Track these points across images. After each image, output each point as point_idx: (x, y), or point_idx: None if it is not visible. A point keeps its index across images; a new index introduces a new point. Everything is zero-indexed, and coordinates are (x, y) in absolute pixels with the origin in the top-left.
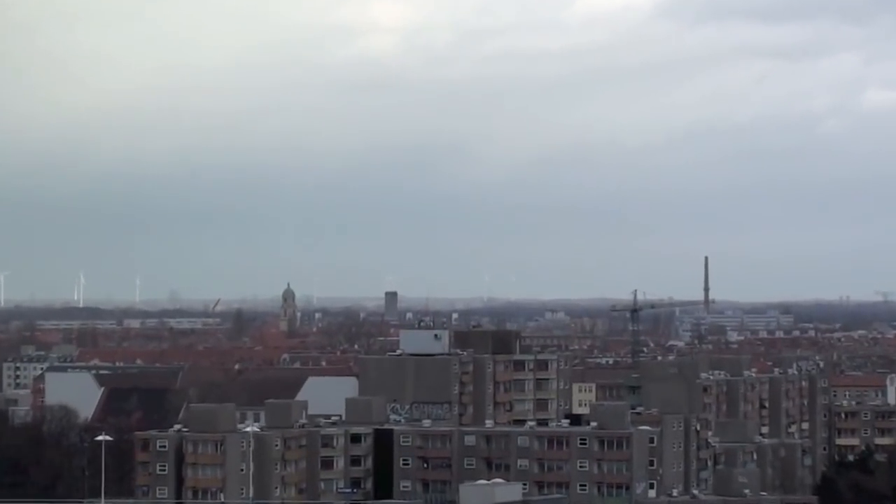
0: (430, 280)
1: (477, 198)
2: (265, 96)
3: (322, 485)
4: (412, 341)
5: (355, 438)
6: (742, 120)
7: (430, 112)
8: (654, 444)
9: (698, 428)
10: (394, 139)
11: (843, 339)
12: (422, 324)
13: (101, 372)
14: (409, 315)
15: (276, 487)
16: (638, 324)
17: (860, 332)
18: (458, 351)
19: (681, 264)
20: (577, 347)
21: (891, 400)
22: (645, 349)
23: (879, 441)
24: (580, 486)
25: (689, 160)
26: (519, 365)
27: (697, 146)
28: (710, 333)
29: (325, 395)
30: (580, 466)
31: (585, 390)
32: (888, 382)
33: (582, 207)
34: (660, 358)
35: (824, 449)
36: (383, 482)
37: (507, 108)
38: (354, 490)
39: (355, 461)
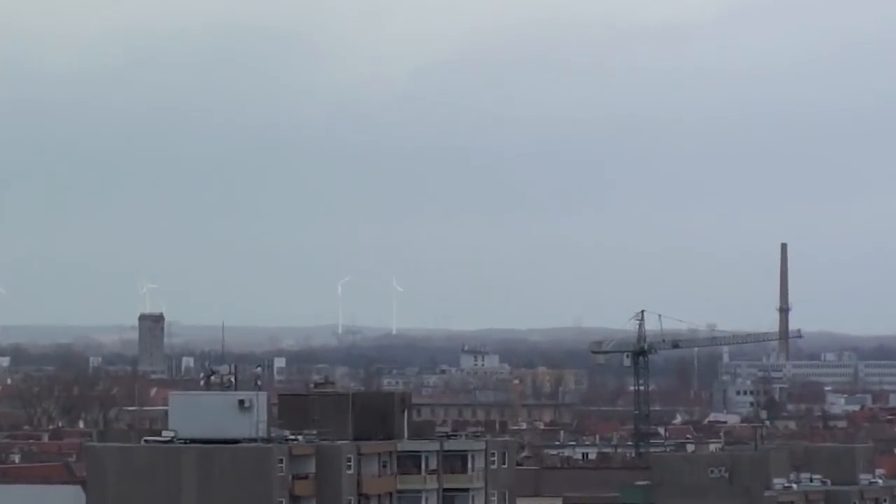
0: (226, 293)
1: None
2: None
3: None
4: (193, 413)
5: None
6: None
7: None
8: None
9: None
10: None
11: None
12: (213, 377)
13: None
14: (188, 361)
15: None
16: (647, 378)
17: None
18: (287, 434)
19: (728, 261)
20: (524, 425)
21: None
22: (660, 429)
23: None
24: None
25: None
26: (409, 462)
27: None
28: (793, 396)
29: None
30: None
31: None
32: None
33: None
34: (692, 448)
35: None
36: None
37: None
38: None
39: None
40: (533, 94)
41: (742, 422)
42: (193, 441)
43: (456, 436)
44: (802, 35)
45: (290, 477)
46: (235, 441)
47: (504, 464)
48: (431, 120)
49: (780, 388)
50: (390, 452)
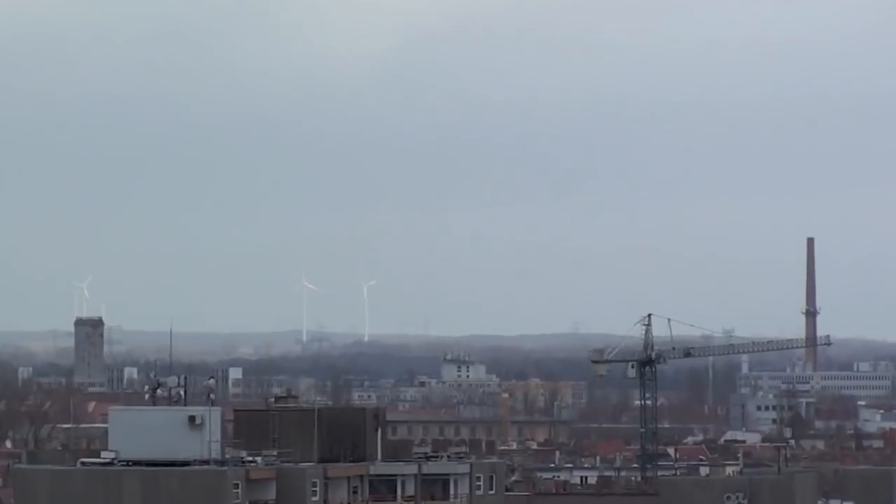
0: (174, 295)
1: None
2: None
3: None
4: (137, 431)
5: None
6: None
7: None
8: None
9: None
10: None
11: None
12: (159, 390)
13: None
14: (130, 371)
15: None
16: (654, 391)
17: None
18: (243, 455)
19: (747, 259)
20: (514, 445)
21: None
22: (670, 450)
23: None
24: None
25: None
26: (383, 487)
27: None
28: (821, 412)
29: None
30: None
31: None
32: None
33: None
34: (706, 471)
35: None
36: None
37: None
38: None
39: None
40: (523, 73)
41: (763, 441)
42: (137, 463)
43: (436, 457)
44: (825, 6)
45: (246, 503)
46: (185, 463)
47: (491, 489)
48: (409, 103)
49: (807, 403)
50: (361, 476)
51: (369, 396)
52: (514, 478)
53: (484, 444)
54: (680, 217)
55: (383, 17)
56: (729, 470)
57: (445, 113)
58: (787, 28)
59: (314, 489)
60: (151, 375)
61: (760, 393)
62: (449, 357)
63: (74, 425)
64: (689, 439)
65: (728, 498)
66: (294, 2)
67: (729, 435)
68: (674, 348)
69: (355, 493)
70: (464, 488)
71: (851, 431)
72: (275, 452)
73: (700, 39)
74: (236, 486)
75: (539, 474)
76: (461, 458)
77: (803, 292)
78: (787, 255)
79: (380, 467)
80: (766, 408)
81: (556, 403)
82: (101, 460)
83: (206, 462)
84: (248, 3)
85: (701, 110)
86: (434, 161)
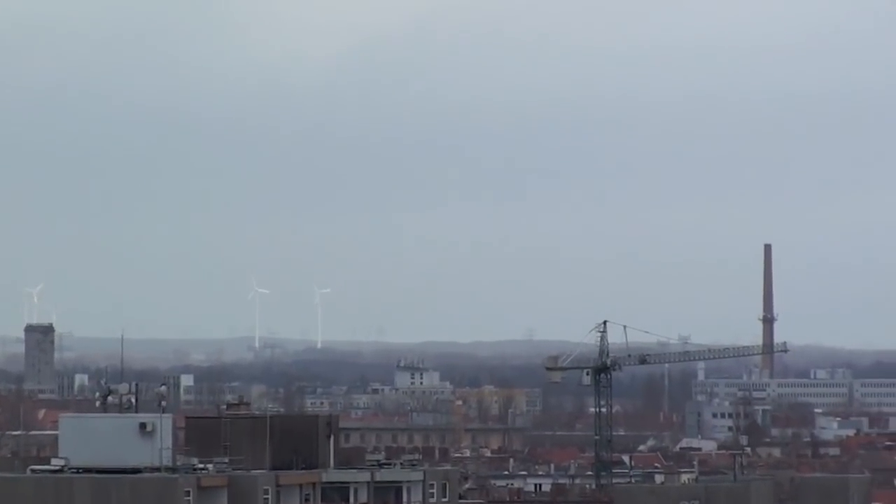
0: (125, 301)
1: None
2: None
3: None
4: (87, 438)
5: None
6: None
7: None
8: None
9: None
10: None
11: None
12: (110, 397)
13: None
14: (81, 378)
15: None
16: (610, 398)
17: None
18: (195, 462)
19: (704, 265)
20: (468, 453)
21: None
22: (625, 457)
23: None
24: None
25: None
26: (336, 495)
27: None
28: (778, 419)
29: None
30: None
31: None
32: None
33: None
34: (661, 479)
35: None
36: None
37: None
38: None
39: None
40: (477, 74)
41: (719, 448)
42: (87, 470)
43: (389, 464)
44: (798, 10)
45: None
46: (136, 470)
47: (444, 497)
48: (361, 105)
49: (764, 410)
50: (314, 484)
51: (322, 403)
52: (467, 485)
53: (437, 452)
54: (635, 223)
55: (339, 17)
56: (684, 477)
57: (397, 115)
58: (741, 31)
59: (266, 497)
60: (102, 382)
61: (716, 400)
62: (402, 364)
63: (24, 432)
64: (645, 447)
65: None
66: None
67: (684, 442)
68: (629, 355)
69: (307, 500)
70: (417, 496)
71: (808, 439)
72: (226, 460)
73: (653, 42)
74: (188, 493)
75: (493, 482)
76: (414, 465)
77: (760, 299)
78: (744, 262)
79: (332, 475)
80: (722, 415)
81: (510, 411)
82: (52, 467)
83: (158, 469)
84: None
85: (655, 115)
86: (387, 164)
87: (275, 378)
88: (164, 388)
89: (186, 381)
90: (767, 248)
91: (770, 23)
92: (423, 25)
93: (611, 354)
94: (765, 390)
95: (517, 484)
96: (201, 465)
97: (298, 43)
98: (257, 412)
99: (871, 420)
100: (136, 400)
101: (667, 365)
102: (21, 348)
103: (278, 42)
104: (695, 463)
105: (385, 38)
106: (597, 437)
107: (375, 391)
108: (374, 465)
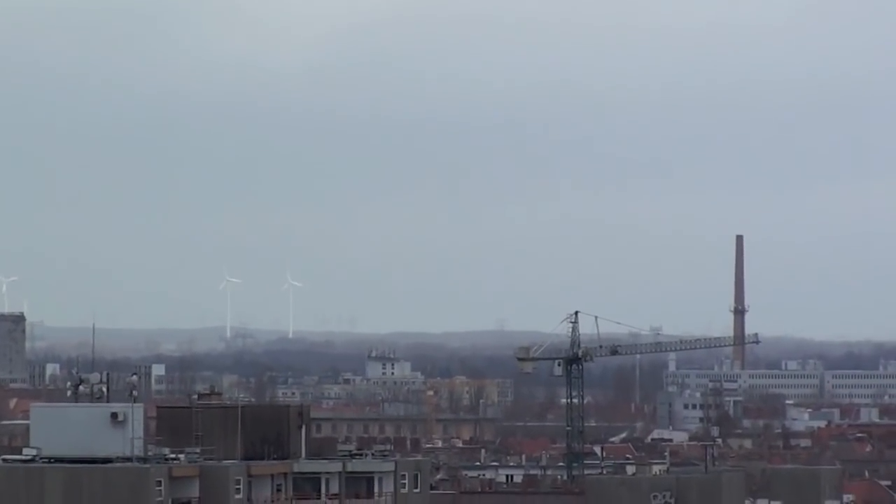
0: (96, 291)
1: None
2: None
3: None
4: (59, 428)
5: None
6: None
7: None
8: None
9: None
10: None
11: None
12: (82, 387)
13: None
14: (53, 368)
15: None
16: (581, 389)
17: None
18: (166, 452)
19: (675, 256)
20: (439, 443)
21: None
22: (596, 448)
23: None
24: None
25: None
26: (307, 485)
27: None
28: (749, 410)
29: None
30: None
31: None
32: None
33: None
34: (632, 470)
35: None
36: None
37: None
38: None
39: None
40: (456, 60)
41: (690, 440)
42: (59, 460)
43: (361, 455)
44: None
45: (169, 501)
46: (107, 460)
47: (416, 487)
48: (339, 92)
49: (735, 402)
50: (285, 474)
51: (293, 393)
52: (438, 476)
53: (409, 442)
54: (607, 214)
55: (319, 5)
56: (656, 469)
57: (373, 102)
58: (705, 18)
59: (238, 487)
60: (74, 372)
61: (688, 391)
62: (374, 354)
63: None
64: (616, 438)
65: (654, 497)
66: None
67: (656, 433)
68: (601, 346)
69: (279, 490)
70: (388, 486)
71: (779, 430)
72: (198, 450)
73: (621, 28)
74: (159, 483)
75: (464, 472)
76: (386, 456)
77: (732, 290)
78: (715, 253)
79: (304, 465)
80: (694, 406)
81: (481, 401)
82: (23, 457)
83: (129, 459)
84: None
85: (626, 104)
86: (361, 153)
87: (246, 368)
88: (135, 377)
89: (158, 370)
90: (739, 239)
91: (733, 8)
92: (410, 12)
93: (582, 345)
94: (736, 381)
95: (489, 474)
96: (173, 455)
97: (283, 24)
98: (229, 402)
99: (842, 411)
100: (108, 389)
101: (638, 356)
102: None
103: (258, 31)
104: (666, 454)
105: (371, 24)
106: (568, 428)
107: (347, 381)
108: (345, 456)
